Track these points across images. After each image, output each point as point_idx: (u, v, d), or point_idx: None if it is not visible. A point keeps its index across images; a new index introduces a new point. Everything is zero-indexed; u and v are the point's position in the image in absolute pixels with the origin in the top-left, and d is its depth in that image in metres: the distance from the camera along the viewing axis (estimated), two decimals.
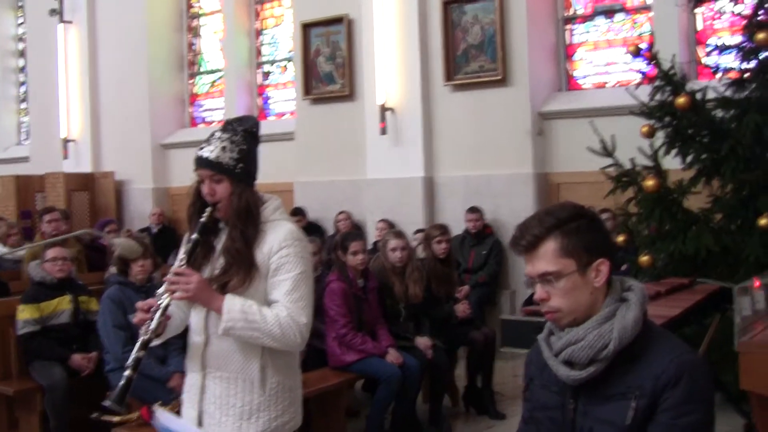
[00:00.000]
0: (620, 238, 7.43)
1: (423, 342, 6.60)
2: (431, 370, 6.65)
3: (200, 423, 3.31)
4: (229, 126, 3.27)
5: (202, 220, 3.21)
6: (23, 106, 17.32)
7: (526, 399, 2.67)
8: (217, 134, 3.23)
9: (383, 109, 10.58)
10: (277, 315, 3.12)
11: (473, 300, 8.67)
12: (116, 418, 4.31)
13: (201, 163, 3.19)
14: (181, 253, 3.24)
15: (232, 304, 3.09)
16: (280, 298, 3.17)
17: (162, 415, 2.18)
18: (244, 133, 3.25)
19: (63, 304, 6.41)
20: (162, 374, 5.72)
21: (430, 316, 6.98)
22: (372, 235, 10.47)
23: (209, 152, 3.17)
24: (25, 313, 6.27)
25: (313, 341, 6.55)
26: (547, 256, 2.40)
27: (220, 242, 3.27)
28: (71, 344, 6.37)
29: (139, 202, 13.92)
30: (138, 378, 5.60)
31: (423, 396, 7.04)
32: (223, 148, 3.17)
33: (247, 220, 3.19)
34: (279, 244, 3.19)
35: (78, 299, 6.51)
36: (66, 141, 14.85)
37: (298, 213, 11.21)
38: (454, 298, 7.24)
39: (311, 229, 11.05)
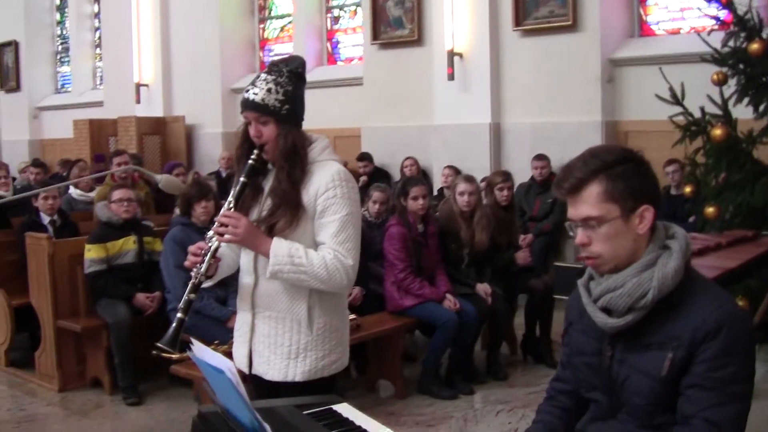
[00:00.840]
0: (687, 189, 7.31)
1: (483, 288, 6.59)
2: (490, 318, 6.65)
3: (250, 361, 3.35)
4: (274, 67, 3.24)
5: (250, 162, 3.22)
6: (98, 51, 17.56)
7: (565, 343, 2.65)
8: (263, 76, 3.21)
9: (451, 55, 10.48)
10: (324, 258, 3.13)
11: (537, 248, 8.62)
12: (175, 356, 4.39)
13: (247, 105, 3.19)
14: (230, 196, 3.26)
15: (279, 247, 3.10)
16: (327, 240, 3.17)
17: (198, 348, 2.22)
18: (290, 74, 3.22)
19: (128, 245, 6.55)
20: (222, 314, 5.82)
21: (491, 263, 6.94)
22: (438, 182, 10.46)
23: (254, 94, 3.16)
24: (91, 253, 6.42)
25: (372, 285, 6.66)
26: (591, 200, 2.34)
27: (269, 183, 3.27)
28: (136, 283, 6.52)
29: (209, 146, 14.06)
30: (199, 318, 5.80)
31: (482, 343, 7.06)
32: (269, 90, 3.16)
33: (293, 161, 3.18)
34: (326, 185, 3.17)
35: (143, 240, 6.64)
36: (138, 85, 15.04)
37: (364, 158, 11.24)
38: (516, 246, 7.19)
39: (378, 174, 11.07)
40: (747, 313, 2.36)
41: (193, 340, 2.34)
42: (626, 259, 2.36)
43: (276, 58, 13.80)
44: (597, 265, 2.41)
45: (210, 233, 3.18)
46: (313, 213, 3.19)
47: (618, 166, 2.34)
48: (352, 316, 5.99)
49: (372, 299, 6.68)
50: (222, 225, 3.12)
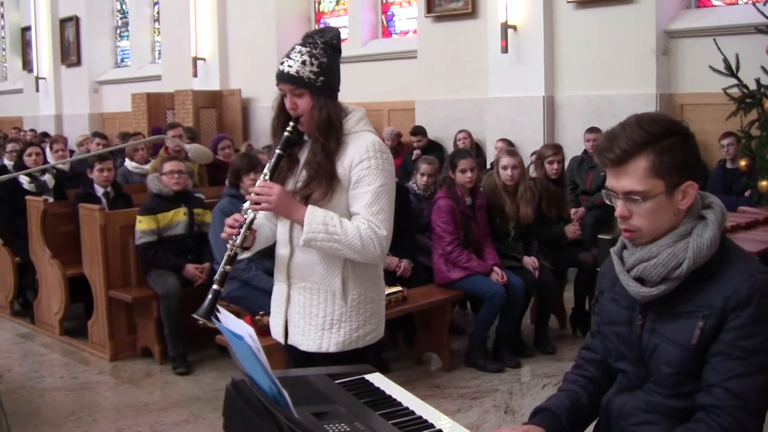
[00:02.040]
0: (742, 163, 7.20)
1: (530, 262, 6.55)
2: (538, 291, 6.62)
3: (286, 332, 3.39)
4: (309, 39, 3.22)
5: (285, 133, 3.23)
6: (157, 25, 17.73)
7: (596, 312, 2.63)
8: (298, 47, 3.20)
9: (505, 27, 10.38)
10: (358, 227, 3.14)
11: (589, 222, 8.57)
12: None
13: (282, 77, 3.19)
14: (266, 168, 3.27)
15: (314, 215, 3.11)
16: (361, 210, 3.17)
17: (223, 315, 2.24)
18: (324, 45, 3.20)
19: (178, 216, 6.63)
20: (269, 285, 5.79)
21: (539, 236, 6.89)
22: (492, 155, 10.40)
23: (289, 66, 3.16)
24: (142, 224, 6.51)
25: (420, 257, 6.66)
26: (636, 175, 2.27)
27: (304, 155, 3.28)
28: (186, 255, 6.61)
29: (265, 119, 13.94)
30: (247, 289, 5.85)
31: (531, 317, 7.02)
32: (304, 62, 3.15)
33: (328, 133, 3.17)
34: (360, 156, 3.17)
35: (193, 211, 6.72)
36: (196, 59, 15.17)
37: (418, 132, 11.23)
38: (566, 219, 7.13)
39: (432, 147, 11.05)
40: None
41: (220, 308, 2.37)
42: (665, 233, 2.33)
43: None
44: (635, 238, 2.37)
45: (245, 205, 3.21)
46: (348, 184, 3.20)
47: (665, 139, 2.26)
48: (399, 288, 6.03)
49: (420, 271, 6.69)
50: (257, 194, 3.15)
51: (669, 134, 2.28)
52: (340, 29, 3.38)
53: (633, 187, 2.28)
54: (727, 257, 2.31)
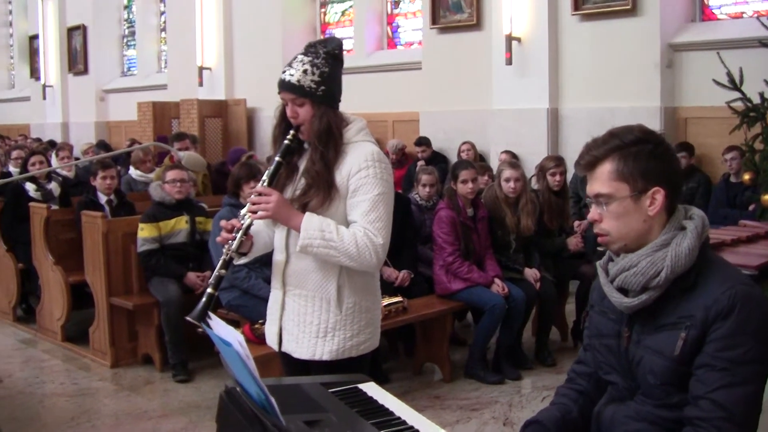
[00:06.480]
0: (746, 177, 7.20)
1: (531, 273, 6.55)
2: (539, 303, 6.62)
3: (280, 339, 3.40)
4: (311, 48, 3.26)
5: (286, 142, 3.25)
6: (163, 35, 17.79)
7: (586, 327, 2.65)
8: (300, 57, 3.23)
9: (509, 39, 10.39)
10: (354, 234, 3.14)
11: (591, 234, 8.48)
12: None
13: (283, 86, 3.22)
14: (264, 175, 3.29)
15: (310, 222, 3.13)
16: (358, 218, 3.18)
17: (214, 321, 2.25)
18: (326, 55, 3.22)
19: (180, 224, 6.65)
20: (268, 294, 5.84)
21: (540, 248, 6.89)
22: (496, 166, 10.40)
23: (291, 75, 3.19)
24: (144, 232, 6.52)
25: (421, 268, 6.67)
26: (602, 178, 2.38)
27: (304, 163, 3.30)
28: (187, 263, 6.63)
29: (270, 128, 14.00)
30: (247, 297, 5.86)
31: (532, 329, 7.01)
32: (305, 71, 3.17)
33: (327, 142, 3.19)
34: (358, 165, 3.18)
35: (195, 220, 6.73)
36: (201, 69, 15.19)
37: (423, 143, 11.23)
38: (567, 231, 7.14)
39: (436, 158, 11.05)
40: (763, 294, 2.32)
41: (211, 314, 2.38)
42: (636, 239, 2.39)
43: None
44: (606, 242, 2.44)
45: (243, 211, 3.23)
46: (346, 192, 3.21)
47: (634, 146, 2.36)
48: (400, 299, 6.04)
49: (421, 282, 6.69)
50: (254, 203, 3.16)
51: (639, 142, 2.38)
52: (343, 40, 3.41)
53: (599, 190, 2.40)
54: (708, 268, 2.35)
